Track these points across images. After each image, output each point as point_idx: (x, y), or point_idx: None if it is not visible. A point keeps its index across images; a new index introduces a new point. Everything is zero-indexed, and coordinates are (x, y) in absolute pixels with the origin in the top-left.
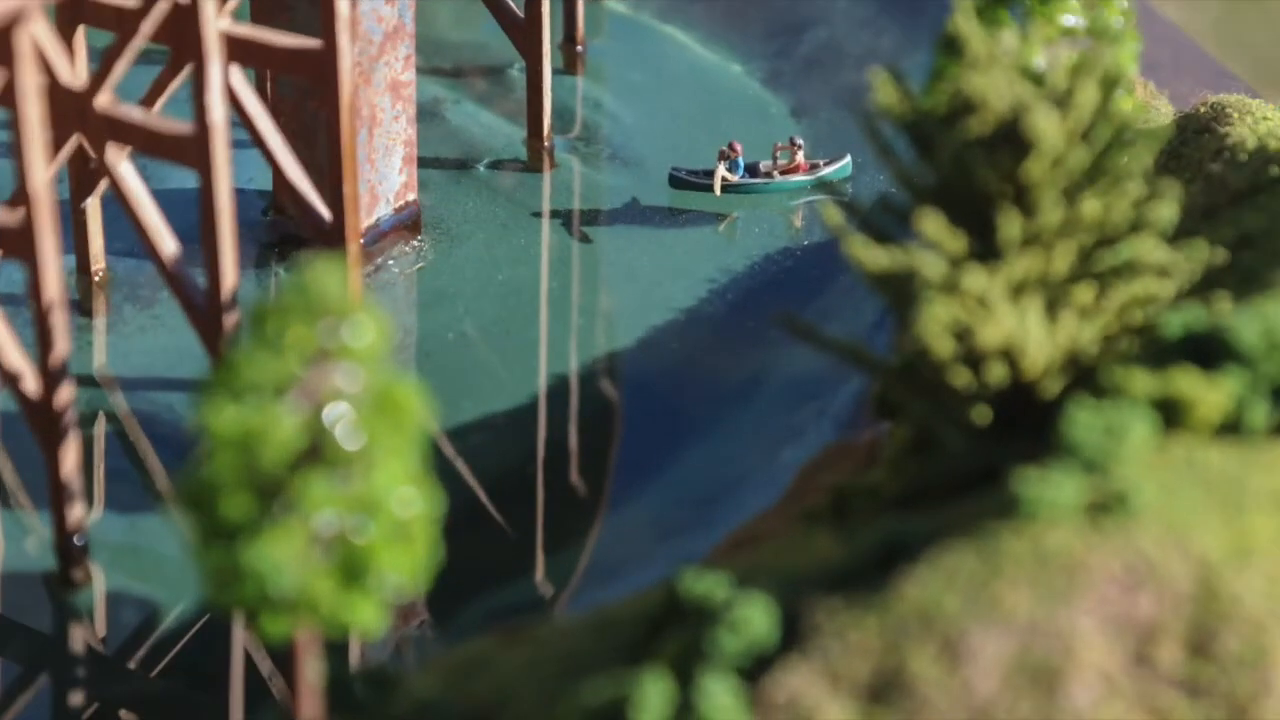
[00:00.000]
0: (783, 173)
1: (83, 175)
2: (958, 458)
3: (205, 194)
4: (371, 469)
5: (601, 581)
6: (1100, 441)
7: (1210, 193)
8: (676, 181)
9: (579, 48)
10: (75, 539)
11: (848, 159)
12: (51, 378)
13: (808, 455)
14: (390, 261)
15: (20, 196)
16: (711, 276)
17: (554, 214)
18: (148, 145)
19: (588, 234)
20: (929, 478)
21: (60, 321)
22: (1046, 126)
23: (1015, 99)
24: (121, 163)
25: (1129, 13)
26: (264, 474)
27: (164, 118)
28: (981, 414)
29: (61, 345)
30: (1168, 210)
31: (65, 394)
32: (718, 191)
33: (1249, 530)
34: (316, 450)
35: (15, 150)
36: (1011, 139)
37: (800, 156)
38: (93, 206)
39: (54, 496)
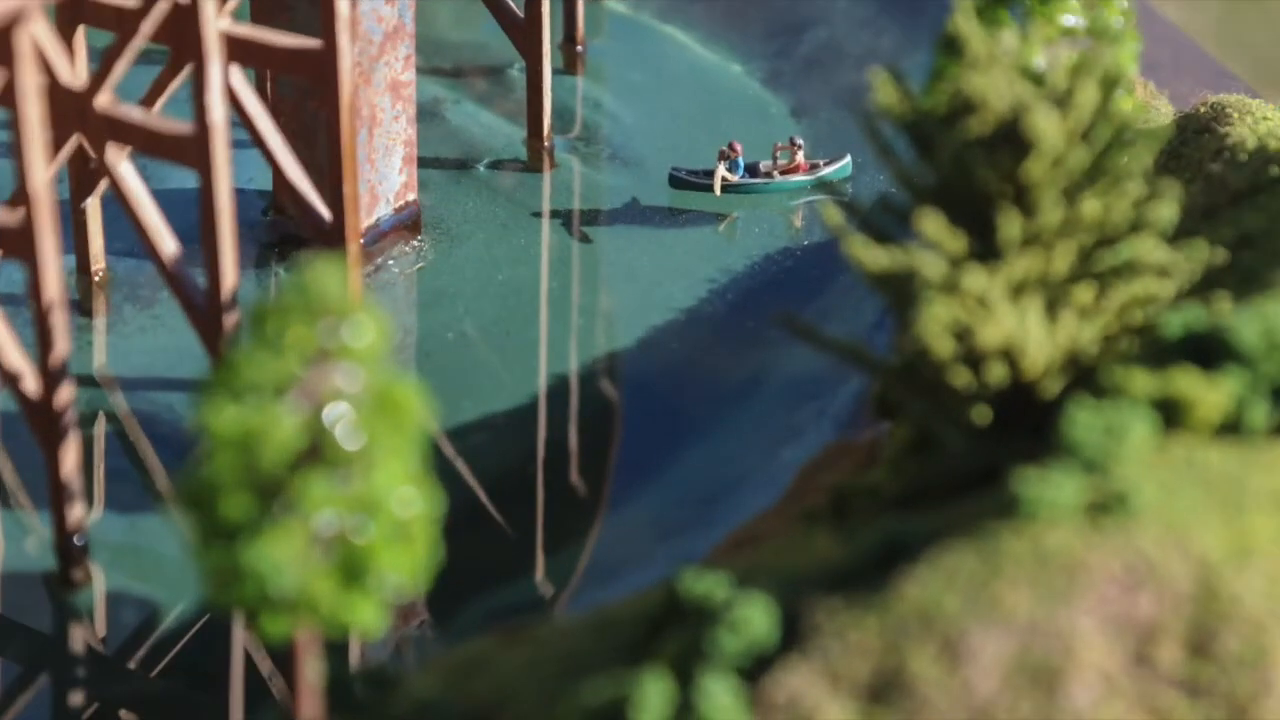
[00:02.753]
0: (783, 173)
1: (83, 175)
2: (958, 458)
3: (205, 194)
4: (371, 469)
5: (601, 581)
6: (1100, 441)
7: (1210, 193)
8: (676, 181)
9: (579, 48)
10: (75, 539)
11: (848, 159)
12: (51, 378)
13: (808, 455)
14: (390, 261)
15: (20, 196)
16: (711, 276)
17: (554, 214)
18: (148, 145)
19: (588, 234)
20: (929, 478)
21: (60, 321)
22: (1046, 126)
23: (1015, 99)
24: (121, 163)
25: (1129, 13)
26: (264, 474)
27: (164, 118)
28: (981, 414)
29: (61, 345)
30: (1168, 210)
31: (65, 394)
32: (718, 191)
33: (1249, 530)
34: (316, 450)
35: (15, 150)
36: (1011, 139)
37: (800, 156)
38: (93, 206)
39: (54, 496)
